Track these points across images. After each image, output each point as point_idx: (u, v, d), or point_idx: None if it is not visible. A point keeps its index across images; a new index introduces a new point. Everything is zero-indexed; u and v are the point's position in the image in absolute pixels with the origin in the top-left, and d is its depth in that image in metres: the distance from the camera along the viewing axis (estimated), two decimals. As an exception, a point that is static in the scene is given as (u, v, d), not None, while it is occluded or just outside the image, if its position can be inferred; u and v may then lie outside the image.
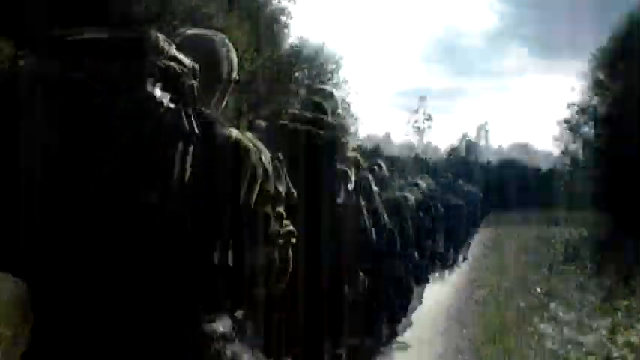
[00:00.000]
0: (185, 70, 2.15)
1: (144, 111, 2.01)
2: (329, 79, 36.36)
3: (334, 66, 36.16)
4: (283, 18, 33.05)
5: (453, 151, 53.40)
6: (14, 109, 1.99)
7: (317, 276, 3.62)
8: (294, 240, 2.73)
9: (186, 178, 2.04)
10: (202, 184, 2.08)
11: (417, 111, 65.38)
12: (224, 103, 2.70)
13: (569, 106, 27.95)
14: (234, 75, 2.68)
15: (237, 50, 2.74)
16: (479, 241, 24.77)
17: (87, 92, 2.00)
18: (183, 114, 2.06)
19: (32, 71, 2.05)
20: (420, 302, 10.69)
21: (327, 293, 3.76)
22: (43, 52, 2.10)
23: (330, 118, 4.10)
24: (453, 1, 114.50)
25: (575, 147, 29.41)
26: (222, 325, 2.13)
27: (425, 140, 63.30)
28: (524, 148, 64.36)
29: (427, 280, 11.89)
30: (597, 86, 25.41)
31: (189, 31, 2.67)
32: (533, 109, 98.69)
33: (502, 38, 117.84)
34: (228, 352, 2.12)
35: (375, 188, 5.62)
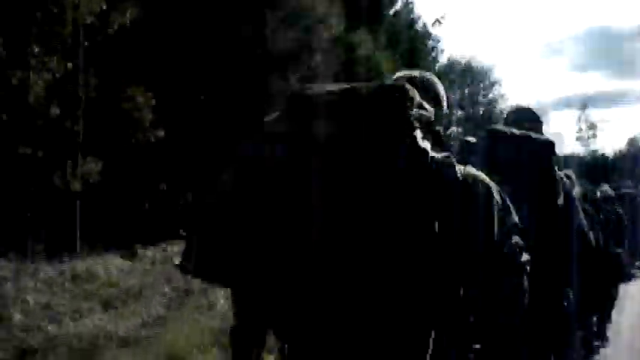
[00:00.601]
0: (431, 116, 2.21)
1: (420, 163, 2.06)
2: (484, 96, 35.97)
3: (487, 82, 35.66)
4: (431, 42, 33.06)
5: (623, 157, 51.66)
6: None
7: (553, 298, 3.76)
8: (528, 269, 2.71)
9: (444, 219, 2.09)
10: (459, 223, 2.14)
11: (579, 119, 64.32)
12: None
13: None
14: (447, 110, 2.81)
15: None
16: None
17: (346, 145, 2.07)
18: (451, 163, 2.14)
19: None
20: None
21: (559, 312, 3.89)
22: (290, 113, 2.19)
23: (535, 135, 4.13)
24: (604, 4, 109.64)
25: None
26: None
27: (591, 149, 60.24)
28: None
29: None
30: None
31: (401, 74, 2.71)
32: None
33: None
34: None
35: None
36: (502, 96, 35.77)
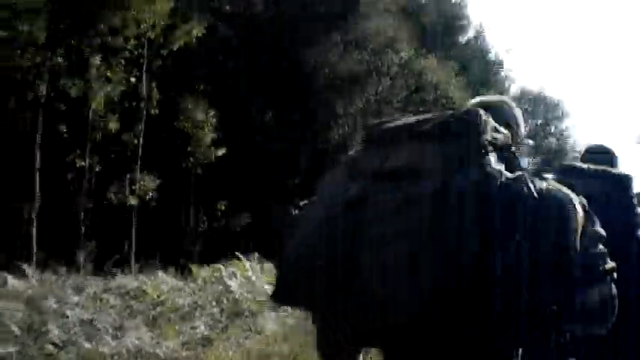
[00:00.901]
0: (507, 140, 2.32)
1: (491, 185, 2.14)
2: (555, 127, 35.17)
3: (559, 113, 34.86)
4: (502, 71, 32.52)
5: None
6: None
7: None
8: (615, 275, 2.67)
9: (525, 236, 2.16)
10: (539, 237, 2.18)
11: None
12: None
13: None
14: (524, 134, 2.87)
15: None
16: None
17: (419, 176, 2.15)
18: (525, 182, 2.20)
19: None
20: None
21: None
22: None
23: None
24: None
25: None
26: None
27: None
28: None
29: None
30: None
31: (478, 99, 2.80)
32: None
33: None
34: None
35: None
36: (573, 128, 35.09)
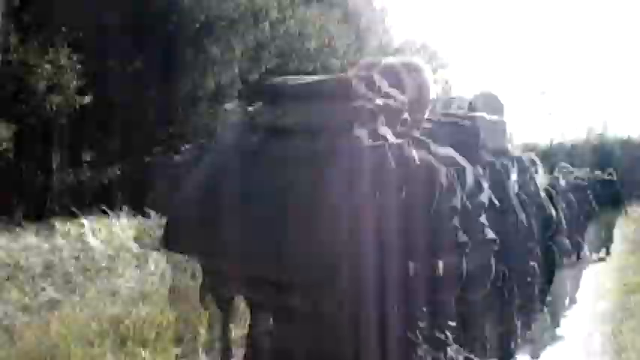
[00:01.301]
0: (399, 105, 2.43)
1: (370, 147, 2.21)
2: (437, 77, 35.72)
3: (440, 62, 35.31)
4: (387, 21, 32.27)
5: (585, 144, 52.41)
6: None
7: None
8: (495, 247, 2.84)
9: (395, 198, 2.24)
10: (403, 204, 2.24)
11: (538, 106, 65.47)
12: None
13: None
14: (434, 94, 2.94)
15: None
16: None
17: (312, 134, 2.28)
18: (405, 146, 2.27)
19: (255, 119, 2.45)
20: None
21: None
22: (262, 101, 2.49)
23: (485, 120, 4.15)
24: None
25: None
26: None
27: (549, 136, 60.17)
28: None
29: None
30: None
31: (390, 61, 2.82)
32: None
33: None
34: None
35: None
36: (462, 78, 35.81)
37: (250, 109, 2.49)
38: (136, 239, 10.88)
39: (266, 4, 18.19)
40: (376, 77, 2.40)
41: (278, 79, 2.52)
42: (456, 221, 2.56)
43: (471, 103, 4.48)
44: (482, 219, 2.75)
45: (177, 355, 6.68)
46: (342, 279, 2.15)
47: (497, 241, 2.88)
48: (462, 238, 2.61)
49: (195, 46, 17.00)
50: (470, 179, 2.59)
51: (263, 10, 17.97)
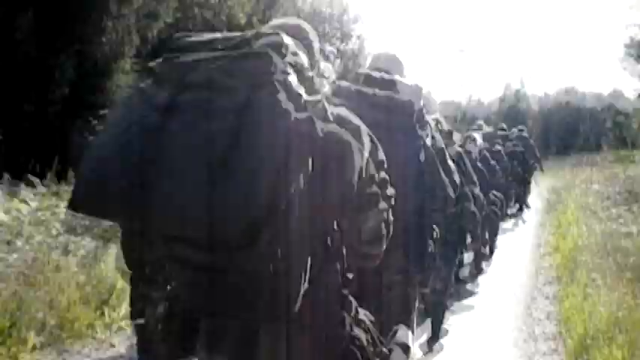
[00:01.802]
0: (304, 63, 2.52)
1: (287, 106, 2.24)
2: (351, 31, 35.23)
3: (350, 16, 34.95)
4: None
5: (502, 101, 53.64)
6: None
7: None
8: (393, 202, 2.90)
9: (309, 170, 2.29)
10: (321, 175, 2.32)
11: (457, 63, 66.79)
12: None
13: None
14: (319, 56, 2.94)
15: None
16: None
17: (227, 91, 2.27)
18: (313, 121, 2.31)
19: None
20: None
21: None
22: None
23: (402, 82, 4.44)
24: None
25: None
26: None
27: (467, 93, 60.46)
28: (571, 91, 60.41)
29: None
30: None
31: (277, 22, 2.91)
32: (577, 49, 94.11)
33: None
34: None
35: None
36: (360, 37, 35.53)
37: (154, 64, 2.44)
38: (17, 209, 9.99)
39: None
40: (285, 37, 2.46)
41: (195, 34, 2.56)
42: (375, 187, 2.67)
43: (371, 63, 4.62)
44: (383, 175, 2.80)
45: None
46: (263, 237, 2.17)
47: (395, 196, 2.94)
48: (390, 190, 2.83)
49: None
50: (366, 138, 2.64)
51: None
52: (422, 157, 4.23)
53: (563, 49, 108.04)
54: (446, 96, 51.95)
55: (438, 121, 6.61)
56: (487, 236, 10.46)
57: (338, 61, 31.41)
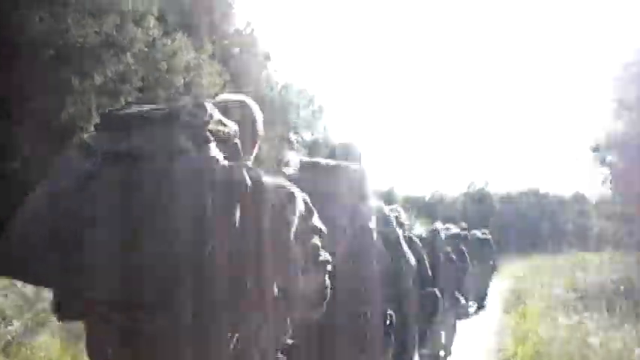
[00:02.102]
0: (231, 132, 2.63)
1: (207, 170, 2.37)
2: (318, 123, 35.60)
3: (314, 107, 35.32)
4: (269, 66, 31.65)
5: (465, 198, 54.41)
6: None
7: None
8: (329, 268, 2.90)
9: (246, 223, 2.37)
10: (261, 227, 2.40)
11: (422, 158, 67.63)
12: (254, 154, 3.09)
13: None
14: (262, 131, 3.15)
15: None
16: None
17: (145, 158, 2.38)
18: (242, 170, 2.41)
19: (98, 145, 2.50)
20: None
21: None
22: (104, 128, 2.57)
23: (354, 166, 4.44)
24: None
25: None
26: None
27: (431, 190, 60.81)
28: (534, 193, 61.03)
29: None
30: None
31: (223, 96, 3.20)
32: (542, 151, 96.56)
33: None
34: None
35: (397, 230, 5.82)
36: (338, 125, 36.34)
37: (87, 137, 2.57)
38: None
39: (134, 34, 16.86)
40: (208, 105, 2.54)
41: (122, 107, 2.67)
42: (317, 240, 2.73)
43: (332, 152, 4.75)
44: (316, 241, 2.81)
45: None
46: (181, 299, 2.20)
47: (331, 261, 2.92)
48: (325, 256, 2.82)
49: (49, 73, 15.42)
50: (301, 204, 2.67)
51: (127, 40, 16.61)
52: (372, 225, 4.29)
53: (527, 151, 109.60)
54: (409, 191, 52.14)
55: (397, 215, 6.53)
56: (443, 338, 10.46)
57: (303, 150, 31.59)
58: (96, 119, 16.25)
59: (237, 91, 23.24)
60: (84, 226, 2.33)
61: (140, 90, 16.98)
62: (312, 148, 33.37)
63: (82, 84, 15.94)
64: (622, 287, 15.31)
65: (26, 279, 2.60)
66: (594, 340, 8.65)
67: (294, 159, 4.16)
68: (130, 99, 16.37)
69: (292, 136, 25.71)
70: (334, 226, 3.65)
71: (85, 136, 2.62)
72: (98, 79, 16.07)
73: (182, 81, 18.30)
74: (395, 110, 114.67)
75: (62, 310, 2.46)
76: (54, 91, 15.47)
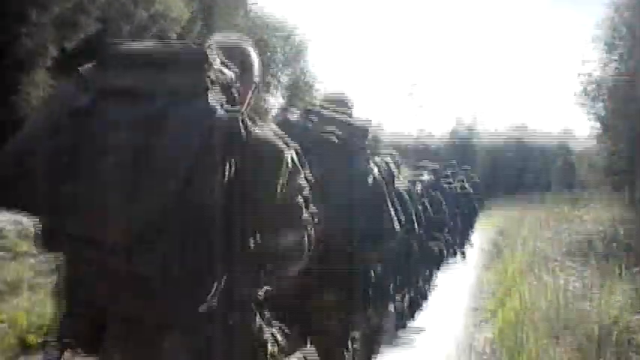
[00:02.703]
0: (229, 79, 2.55)
1: (205, 117, 2.33)
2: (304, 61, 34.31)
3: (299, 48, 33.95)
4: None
5: (454, 135, 53.79)
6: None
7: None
8: (316, 221, 2.89)
9: (232, 174, 2.34)
10: (245, 180, 2.38)
11: (410, 96, 67.17)
12: (251, 102, 3.00)
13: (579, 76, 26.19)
14: (259, 77, 3.04)
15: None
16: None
17: (143, 99, 2.34)
18: (238, 120, 2.38)
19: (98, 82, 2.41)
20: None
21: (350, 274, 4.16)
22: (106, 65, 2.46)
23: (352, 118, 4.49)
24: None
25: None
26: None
27: (418, 127, 60.06)
28: (522, 128, 60.31)
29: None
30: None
31: (217, 37, 2.99)
32: (530, 86, 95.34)
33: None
34: (257, 323, 2.54)
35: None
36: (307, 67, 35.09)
37: (81, 70, 2.47)
38: None
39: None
40: (208, 52, 2.48)
41: (123, 42, 2.57)
42: (300, 199, 2.68)
43: (322, 105, 4.51)
44: (299, 200, 2.70)
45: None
46: (164, 242, 2.22)
47: (315, 221, 2.84)
48: (312, 209, 2.78)
49: (8, 5, 14.31)
50: (289, 162, 2.58)
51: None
52: (370, 180, 4.27)
53: (515, 86, 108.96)
54: (397, 128, 51.35)
55: (387, 160, 6.14)
56: (427, 274, 10.39)
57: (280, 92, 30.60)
58: (53, 53, 15.41)
59: (209, 23, 22.18)
60: (77, 159, 2.29)
61: (102, 21, 15.81)
62: (292, 90, 32.24)
63: (39, 16, 14.82)
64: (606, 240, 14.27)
65: (17, 203, 2.54)
66: (582, 304, 7.77)
67: (284, 108, 3.88)
68: (89, 31, 15.27)
69: (269, 78, 24.52)
70: (345, 178, 3.97)
71: (81, 69, 2.41)
72: (56, 10, 14.92)
73: (146, 13, 17.08)
74: (379, 50, 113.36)
75: (44, 239, 2.41)
76: (8, 22, 14.36)
